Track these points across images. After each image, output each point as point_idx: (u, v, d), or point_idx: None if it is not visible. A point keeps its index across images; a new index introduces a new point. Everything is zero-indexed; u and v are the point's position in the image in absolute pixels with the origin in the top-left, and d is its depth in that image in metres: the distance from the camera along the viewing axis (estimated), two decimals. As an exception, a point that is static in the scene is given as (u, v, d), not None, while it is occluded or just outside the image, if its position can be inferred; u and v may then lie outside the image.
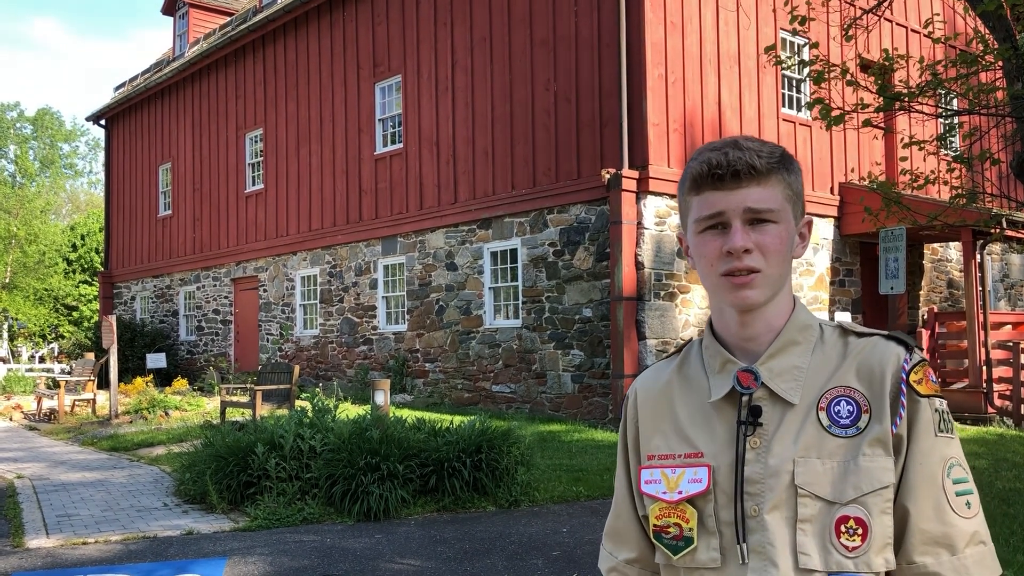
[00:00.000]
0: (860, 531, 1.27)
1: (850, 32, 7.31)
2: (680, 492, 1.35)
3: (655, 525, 1.39)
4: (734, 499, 1.32)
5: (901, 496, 1.29)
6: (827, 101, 7.26)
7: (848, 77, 7.28)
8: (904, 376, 1.31)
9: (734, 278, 1.31)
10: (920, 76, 7.69)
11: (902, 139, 7.77)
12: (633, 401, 1.50)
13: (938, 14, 8.52)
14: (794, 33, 7.15)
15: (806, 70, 13.45)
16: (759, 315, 1.35)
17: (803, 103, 14.04)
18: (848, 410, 1.31)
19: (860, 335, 1.37)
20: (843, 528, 1.27)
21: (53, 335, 40.23)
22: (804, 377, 1.34)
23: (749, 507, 1.31)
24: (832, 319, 13.35)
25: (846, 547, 1.26)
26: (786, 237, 1.34)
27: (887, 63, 7.46)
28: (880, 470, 1.28)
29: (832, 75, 7.21)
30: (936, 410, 1.32)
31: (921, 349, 1.33)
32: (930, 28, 8.40)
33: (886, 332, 1.38)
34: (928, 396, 1.31)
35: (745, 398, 1.34)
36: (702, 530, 1.34)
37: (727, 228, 1.32)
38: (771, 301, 1.35)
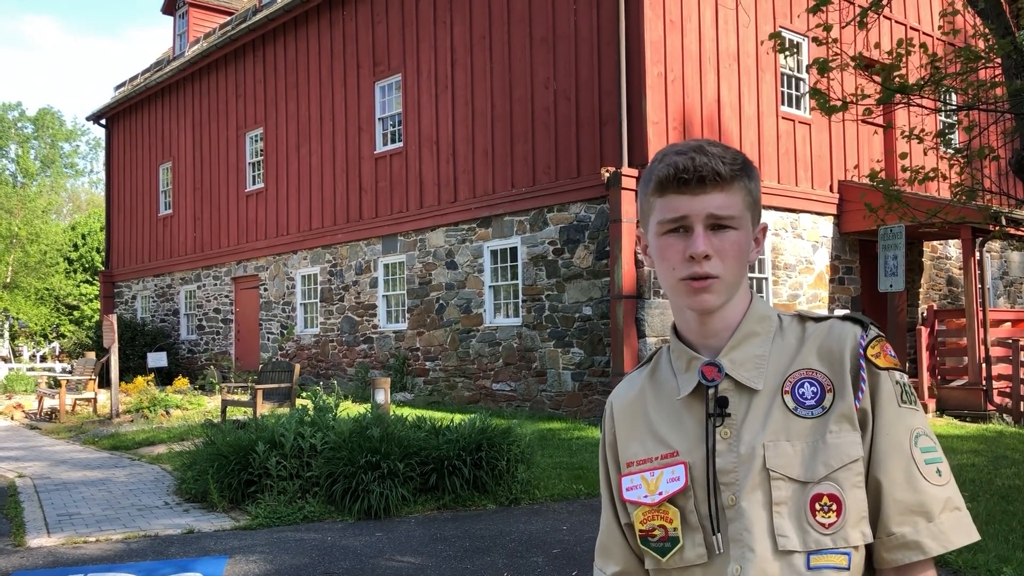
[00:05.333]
0: (834, 507, 1.29)
1: (865, 19, 7.27)
2: (660, 493, 1.38)
3: (640, 530, 1.41)
4: (708, 492, 1.34)
5: (872, 468, 1.32)
6: (827, 91, 7.25)
7: (856, 62, 7.25)
8: (862, 351, 1.34)
9: (693, 282, 1.34)
10: (924, 68, 7.68)
11: (903, 132, 7.75)
12: (610, 413, 1.53)
13: (953, 8, 8.49)
14: (815, 11, 7.06)
15: (805, 70, 13.45)
16: (717, 315, 1.39)
17: (803, 98, 14.04)
18: (812, 391, 1.34)
19: (817, 320, 1.41)
20: (818, 506, 1.29)
21: (54, 334, 40.25)
22: (766, 364, 1.37)
23: (726, 497, 1.33)
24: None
25: (822, 524, 1.29)
26: (744, 243, 1.37)
27: (898, 52, 7.44)
28: (848, 444, 1.31)
29: (835, 65, 7.19)
30: (896, 382, 1.35)
31: (878, 327, 1.36)
32: (940, 22, 8.37)
33: (841, 314, 1.41)
34: (887, 369, 1.34)
35: (711, 390, 1.37)
36: (686, 527, 1.37)
37: (689, 232, 1.35)
38: (728, 303, 1.38)
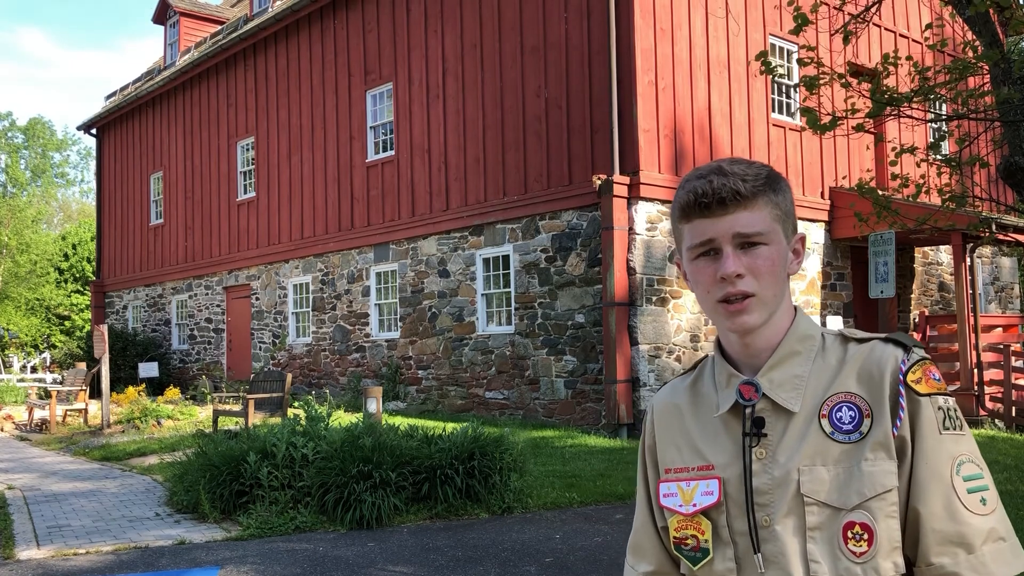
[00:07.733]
0: (866, 536, 1.28)
1: (850, 28, 7.28)
2: (695, 504, 1.39)
3: (674, 537, 1.43)
4: (746, 510, 1.34)
5: (912, 498, 1.29)
6: (817, 107, 7.27)
7: (842, 80, 7.28)
8: (902, 377, 1.32)
9: (729, 305, 1.34)
10: (912, 80, 7.71)
11: (893, 148, 7.78)
12: (651, 417, 1.54)
13: (938, 20, 8.54)
14: (797, 31, 7.07)
15: (796, 77, 13.51)
16: (759, 334, 1.38)
17: (793, 108, 14.10)
18: (850, 416, 1.32)
19: (860, 341, 1.39)
20: (850, 534, 1.28)
21: (45, 345, 40.06)
22: (804, 385, 1.36)
23: (761, 517, 1.33)
24: (824, 323, 13.39)
25: (854, 553, 1.28)
26: (778, 257, 1.36)
27: (885, 65, 7.46)
28: (882, 474, 1.29)
29: (823, 81, 7.21)
30: (939, 408, 1.31)
31: (922, 348, 1.32)
32: (927, 33, 8.42)
33: (884, 335, 1.39)
34: (929, 395, 1.31)
35: (748, 410, 1.36)
36: (717, 541, 1.37)
37: (719, 253, 1.35)
38: (769, 321, 1.37)
